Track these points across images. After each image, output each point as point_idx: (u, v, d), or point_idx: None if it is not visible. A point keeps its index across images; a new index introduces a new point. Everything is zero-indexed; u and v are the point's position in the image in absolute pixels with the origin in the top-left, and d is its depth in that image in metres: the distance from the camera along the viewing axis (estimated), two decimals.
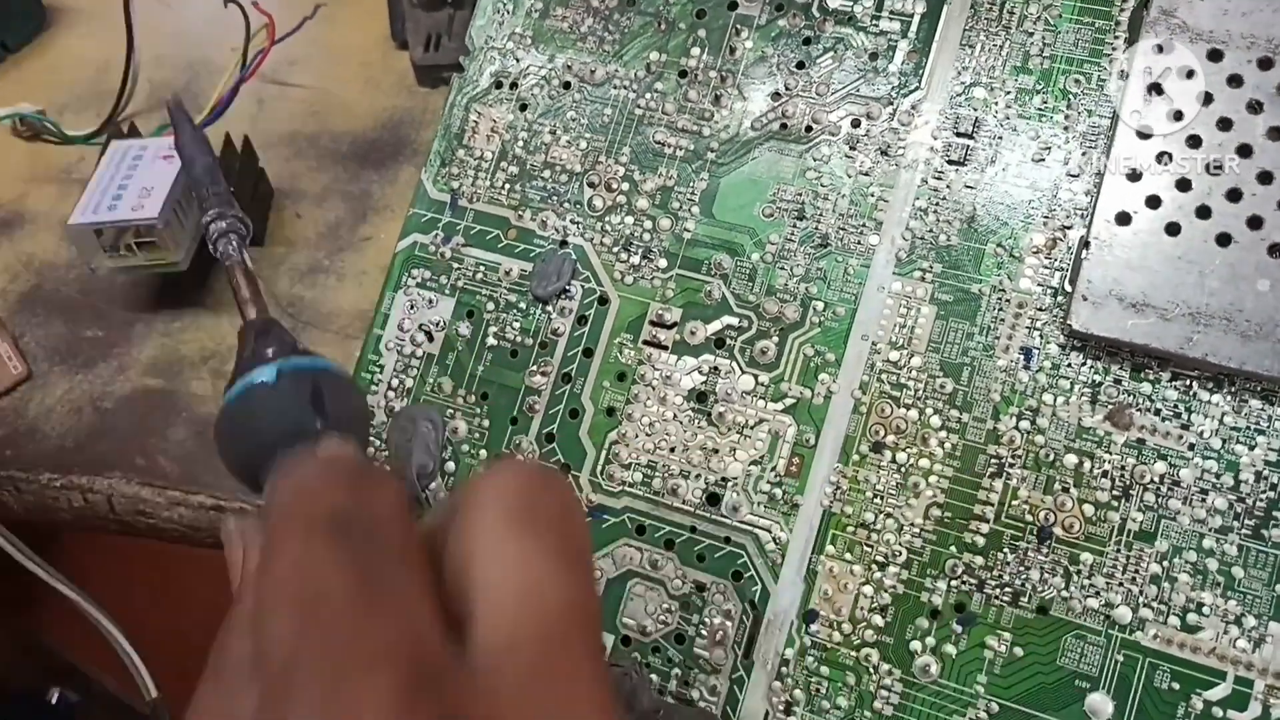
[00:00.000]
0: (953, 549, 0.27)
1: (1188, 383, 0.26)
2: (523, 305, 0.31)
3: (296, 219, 0.40)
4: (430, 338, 0.32)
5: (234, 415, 0.21)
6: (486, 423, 0.31)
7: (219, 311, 0.38)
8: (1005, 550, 0.27)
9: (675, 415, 0.30)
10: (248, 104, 0.42)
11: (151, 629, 0.39)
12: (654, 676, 0.28)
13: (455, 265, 0.32)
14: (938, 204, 0.29)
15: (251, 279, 0.28)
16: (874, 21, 0.30)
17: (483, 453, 0.31)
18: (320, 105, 0.42)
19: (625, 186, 0.31)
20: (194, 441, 0.36)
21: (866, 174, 0.30)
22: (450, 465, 0.31)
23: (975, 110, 0.29)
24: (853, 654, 0.27)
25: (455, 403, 0.31)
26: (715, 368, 0.30)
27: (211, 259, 0.30)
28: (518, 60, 0.33)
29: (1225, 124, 0.27)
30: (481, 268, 0.32)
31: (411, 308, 0.32)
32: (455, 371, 0.32)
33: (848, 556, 0.28)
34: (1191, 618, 0.25)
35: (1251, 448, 0.26)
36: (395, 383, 0.32)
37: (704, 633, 0.28)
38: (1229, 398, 0.26)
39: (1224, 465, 0.26)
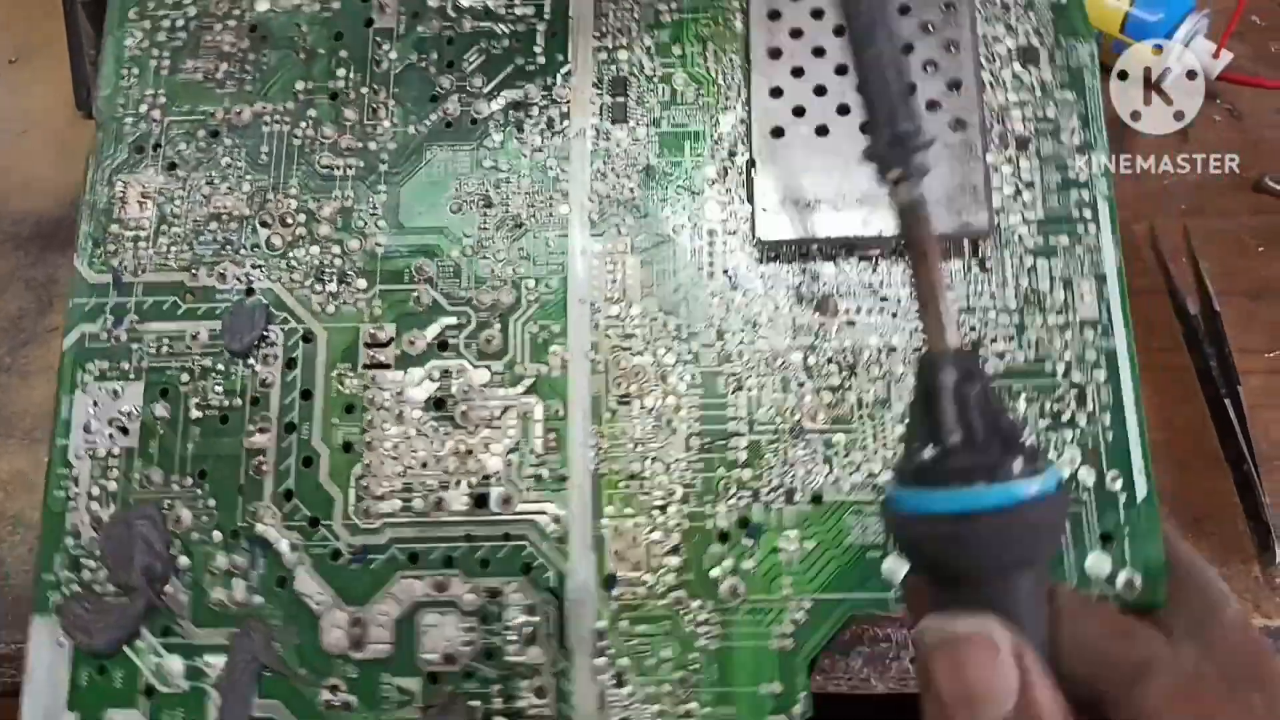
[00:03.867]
0: (721, 470, 0.27)
1: (873, 260, 0.29)
2: (221, 367, 0.29)
3: None
4: (125, 431, 0.28)
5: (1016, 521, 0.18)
6: (213, 501, 0.28)
7: None
8: (767, 456, 0.28)
9: (418, 430, 0.28)
10: None
11: None
12: (476, 703, 0.26)
13: (134, 346, 0.29)
14: (613, 162, 0.30)
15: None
16: (509, 11, 0.31)
17: (216, 534, 0.28)
18: None
19: (302, 218, 0.30)
20: None
21: (540, 150, 0.30)
22: (184, 559, 0.28)
23: (622, 70, 0.31)
24: (661, 603, 0.27)
25: (171, 491, 0.28)
26: (446, 371, 0.29)
27: None
28: (156, 121, 0.31)
29: (840, 31, 0.30)
30: (165, 340, 0.29)
31: (95, 405, 0.29)
32: (162, 458, 0.28)
33: (627, 510, 0.27)
34: None
35: None
36: (96, 491, 0.28)
37: (511, 637, 0.27)
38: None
39: None
